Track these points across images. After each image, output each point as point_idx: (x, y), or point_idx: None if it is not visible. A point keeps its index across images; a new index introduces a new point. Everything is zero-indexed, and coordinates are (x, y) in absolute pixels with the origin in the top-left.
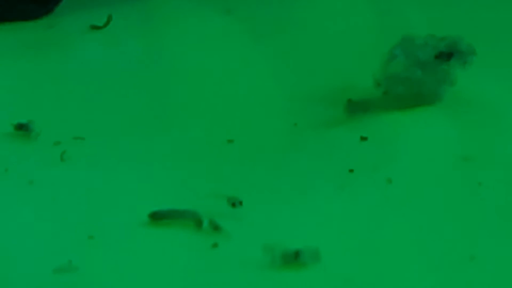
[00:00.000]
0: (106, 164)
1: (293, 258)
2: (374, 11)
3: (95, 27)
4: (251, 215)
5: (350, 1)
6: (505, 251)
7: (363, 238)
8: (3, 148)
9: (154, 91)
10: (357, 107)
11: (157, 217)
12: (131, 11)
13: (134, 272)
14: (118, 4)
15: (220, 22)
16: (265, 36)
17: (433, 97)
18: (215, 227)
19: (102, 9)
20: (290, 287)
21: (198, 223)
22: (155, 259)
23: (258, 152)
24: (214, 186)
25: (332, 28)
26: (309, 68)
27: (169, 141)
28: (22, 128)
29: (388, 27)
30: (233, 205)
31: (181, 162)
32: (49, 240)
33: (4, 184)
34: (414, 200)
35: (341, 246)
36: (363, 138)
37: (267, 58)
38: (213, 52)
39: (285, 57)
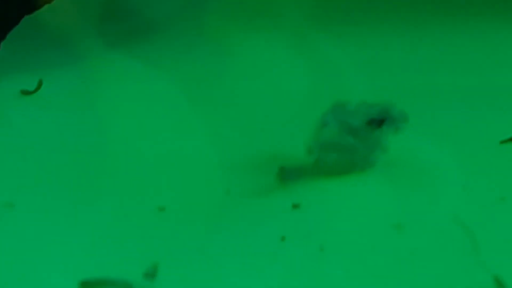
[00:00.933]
0: (36, 231)
1: None
2: (306, 77)
3: (25, 92)
4: (182, 283)
5: (282, 67)
6: None
7: None
8: None
9: (85, 158)
10: (289, 175)
11: (88, 285)
12: (63, 75)
13: None
14: (50, 69)
15: (152, 86)
16: (195, 102)
17: (365, 164)
18: None
19: (32, 74)
20: None
21: None
22: None
23: (189, 219)
24: (145, 254)
25: (263, 94)
26: (241, 134)
27: (100, 209)
28: None
29: (319, 94)
30: (152, 276)
31: (112, 230)
32: None
33: None
34: (346, 268)
35: None
36: (295, 206)
37: (198, 124)
38: (144, 117)
39: (216, 123)
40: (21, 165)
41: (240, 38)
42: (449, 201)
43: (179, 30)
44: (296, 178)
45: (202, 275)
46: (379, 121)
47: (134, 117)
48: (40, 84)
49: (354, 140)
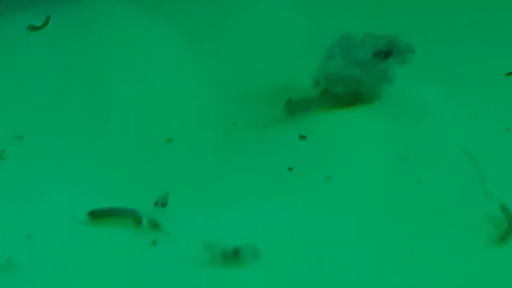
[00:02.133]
0: (45, 162)
1: (233, 255)
2: (311, 11)
3: (33, 28)
4: (190, 212)
5: (286, 2)
6: (443, 247)
7: (303, 235)
8: None
9: (93, 91)
10: (296, 106)
11: (96, 215)
12: (69, 11)
13: (74, 270)
14: (56, 5)
15: (156, 24)
16: (202, 37)
17: (372, 96)
18: (154, 225)
19: (40, 10)
20: (229, 284)
21: (138, 221)
22: (94, 257)
23: (197, 150)
24: (154, 184)
25: (269, 28)
26: (248, 67)
27: (108, 140)
28: None
29: (325, 26)
30: (163, 205)
31: (120, 161)
32: None
33: None
34: (354, 197)
35: (280, 243)
36: (302, 137)
37: (205, 58)
38: (150, 53)
39: (223, 57)
40: (28, 99)
41: None
42: (455, 132)
43: None
44: (303, 110)
45: (210, 205)
46: (386, 53)
47: (139, 52)
48: (47, 20)
49: (360, 72)
